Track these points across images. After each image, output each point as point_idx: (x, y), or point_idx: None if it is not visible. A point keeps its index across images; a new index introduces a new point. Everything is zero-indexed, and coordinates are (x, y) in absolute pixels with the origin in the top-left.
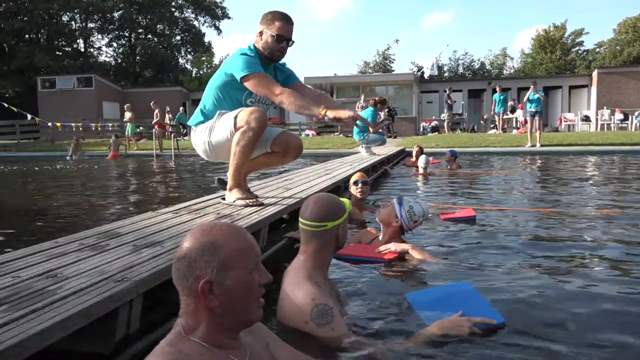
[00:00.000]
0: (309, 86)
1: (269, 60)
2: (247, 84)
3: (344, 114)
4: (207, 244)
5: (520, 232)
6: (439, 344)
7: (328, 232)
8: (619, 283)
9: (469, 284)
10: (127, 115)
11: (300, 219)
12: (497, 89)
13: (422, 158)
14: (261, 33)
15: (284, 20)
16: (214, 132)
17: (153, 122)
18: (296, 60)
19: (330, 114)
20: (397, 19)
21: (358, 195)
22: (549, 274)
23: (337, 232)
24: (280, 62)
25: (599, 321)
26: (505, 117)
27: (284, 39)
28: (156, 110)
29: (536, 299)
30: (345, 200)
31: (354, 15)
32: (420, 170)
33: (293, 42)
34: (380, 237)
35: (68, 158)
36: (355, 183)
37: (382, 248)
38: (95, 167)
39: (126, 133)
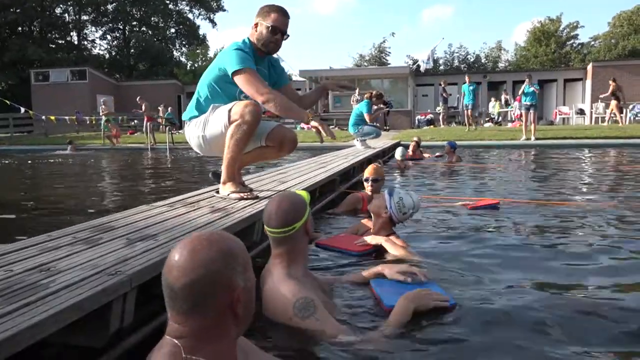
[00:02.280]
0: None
1: (263, 52)
2: (236, 79)
3: (323, 128)
4: (224, 251)
5: (510, 226)
6: (416, 330)
7: (297, 232)
8: (611, 276)
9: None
10: (103, 108)
11: (266, 227)
12: (466, 79)
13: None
14: (256, 25)
15: (279, 12)
16: (208, 126)
17: (143, 112)
18: (294, 54)
19: (314, 122)
20: (398, 12)
21: (369, 192)
22: (527, 271)
23: (306, 228)
24: (274, 56)
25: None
26: (501, 109)
27: (278, 31)
28: (143, 105)
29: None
30: (302, 192)
31: (354, 8)
32: (397, 163)
33: (288, 35)
34: (372, 229)
35: (63, 152)
36: (366, 180)
37: (359, 240)
38: (92, 160)
39: (102, 127)
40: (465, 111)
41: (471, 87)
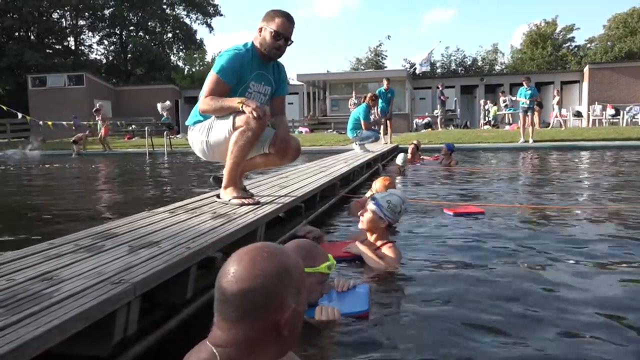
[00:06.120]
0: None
1: (266, 58)
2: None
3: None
4: (283, 267)
5: (499, 234)
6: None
7: None
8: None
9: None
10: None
11: None
12: (384, 85)
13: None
14: (260, 29)
15: (284, 18)
16: (212, 131)
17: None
18: (295, 57)
19: (246, 109)
20: (399, 15)
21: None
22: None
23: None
24: (279, 61)
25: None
26: (498, 112)
27: (281, 37)
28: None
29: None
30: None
31: (356, 12)
32: (397, 167)
33: (292, 41)
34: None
35: (74, 156)
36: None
37: (346, 247)
38: (93, 165)
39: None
40: (381, 121)
41: (389, 94)
